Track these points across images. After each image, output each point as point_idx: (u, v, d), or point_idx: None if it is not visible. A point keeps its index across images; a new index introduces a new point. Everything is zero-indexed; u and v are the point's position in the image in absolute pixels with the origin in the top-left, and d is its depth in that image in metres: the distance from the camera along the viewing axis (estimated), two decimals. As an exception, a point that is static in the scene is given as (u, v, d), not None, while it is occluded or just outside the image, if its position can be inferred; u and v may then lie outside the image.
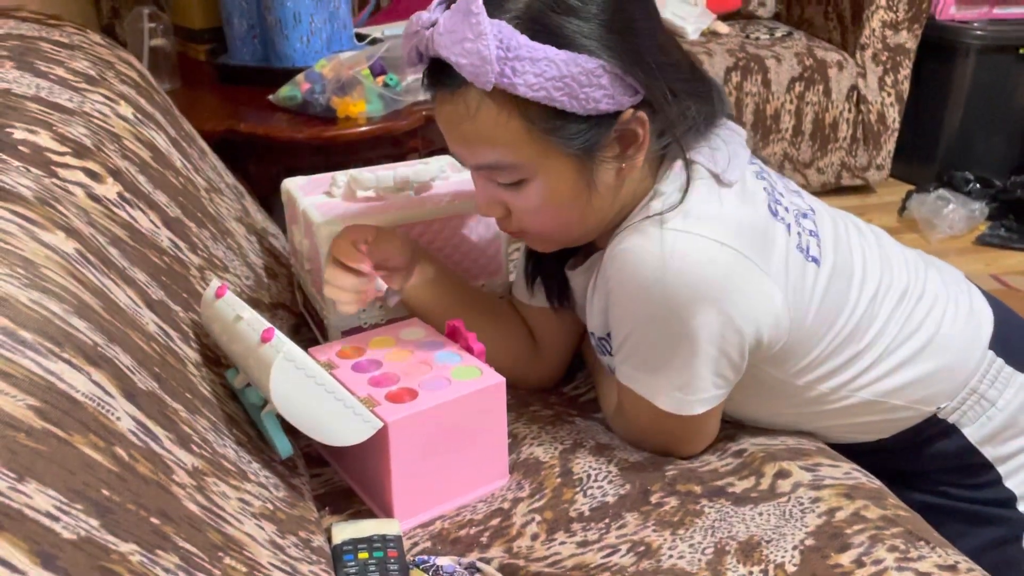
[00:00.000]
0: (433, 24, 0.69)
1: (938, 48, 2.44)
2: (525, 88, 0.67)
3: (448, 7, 0.69)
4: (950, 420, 0.85)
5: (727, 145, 0.78)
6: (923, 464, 0.88)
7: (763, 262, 0.74)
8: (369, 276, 0.84)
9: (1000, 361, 0.85)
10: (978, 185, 2.42)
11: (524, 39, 0.67)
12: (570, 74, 0.67)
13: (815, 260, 0.79)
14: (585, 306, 0.87)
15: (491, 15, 0.67)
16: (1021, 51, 2.41)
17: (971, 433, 0.85)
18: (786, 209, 0.80)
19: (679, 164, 0.76)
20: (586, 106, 0.69)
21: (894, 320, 0.83)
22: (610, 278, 0.76)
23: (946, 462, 0.87)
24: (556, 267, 0.91)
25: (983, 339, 0.86)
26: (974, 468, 0.86)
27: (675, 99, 0.74)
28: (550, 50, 0.67)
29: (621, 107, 0.71)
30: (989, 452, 0.86)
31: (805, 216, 0.82)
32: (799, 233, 0.79)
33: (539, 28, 0.67)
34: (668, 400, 0.78)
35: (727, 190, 0.75)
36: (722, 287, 0.72)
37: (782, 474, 0.80)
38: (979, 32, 2.40)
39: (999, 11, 2.45)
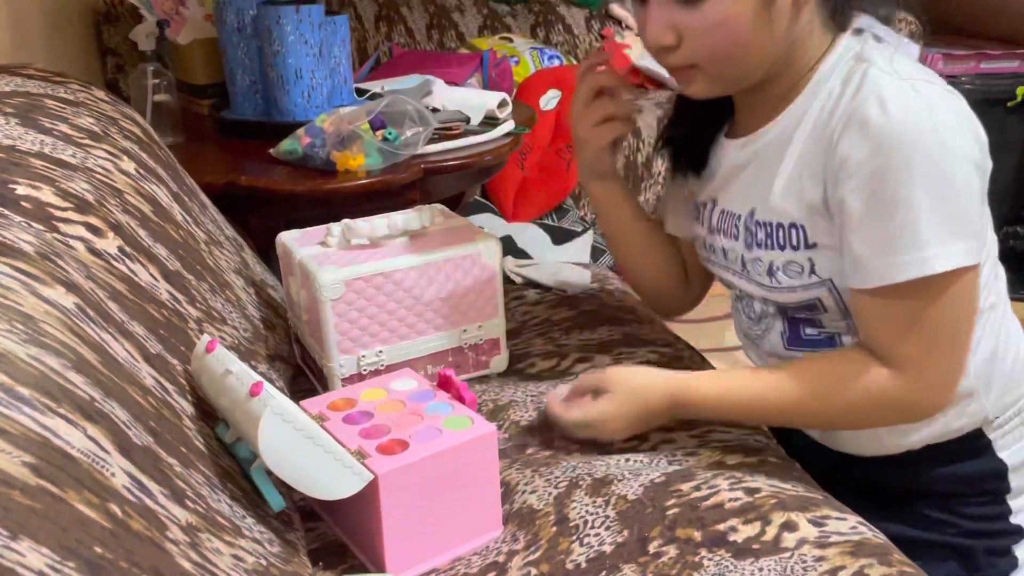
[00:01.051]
0: None
1: (928, 102, 2.48)
2: None
3: None
4: (991, 437, 0.89)
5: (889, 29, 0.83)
6: (940, 484, 0.90)
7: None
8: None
9: None
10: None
11: None
12: None
13: None
14: (729, 187, 0.90)
15: None
16: (1009, 104, 2.45)
17: (1007, 457, 0.89)
18: None
19: (859, 31, 0.81)
20: None
21: (996, 285, 0.89)
22: (882, 166, 0.74)
23: (968, 486, 0.89)
24: (701, 131, 0.93)
25: None
26: (990, 495, 0.89)
27: None
28: None
29: None
30: (1015, 481, 0.89)
31: None
32: None
33: None
34: (951, 257, 0.75)
35: (914, 60, 0.81)
36: (971, 134, 0.77)
37: (789, 526, 0.78)
38: (967, 86, 2.45)
39: (986, 66, 2.50)
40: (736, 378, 0.86)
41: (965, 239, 0.75)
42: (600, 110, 0.93)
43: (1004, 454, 0.89)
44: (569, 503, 0.82)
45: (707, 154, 0.93)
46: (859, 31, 0.82)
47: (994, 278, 0.88)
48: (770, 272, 0.86)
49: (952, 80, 2.44)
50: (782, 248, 0.84)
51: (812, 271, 0.83)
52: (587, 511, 0.81)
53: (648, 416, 0.85)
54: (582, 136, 0.95)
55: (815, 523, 0.79)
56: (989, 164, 0.79)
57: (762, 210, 0.86)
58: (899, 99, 0.74)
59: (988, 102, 2.45)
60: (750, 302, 0.94)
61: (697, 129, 0.94)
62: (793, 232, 0.83)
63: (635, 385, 0.84)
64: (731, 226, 0.90)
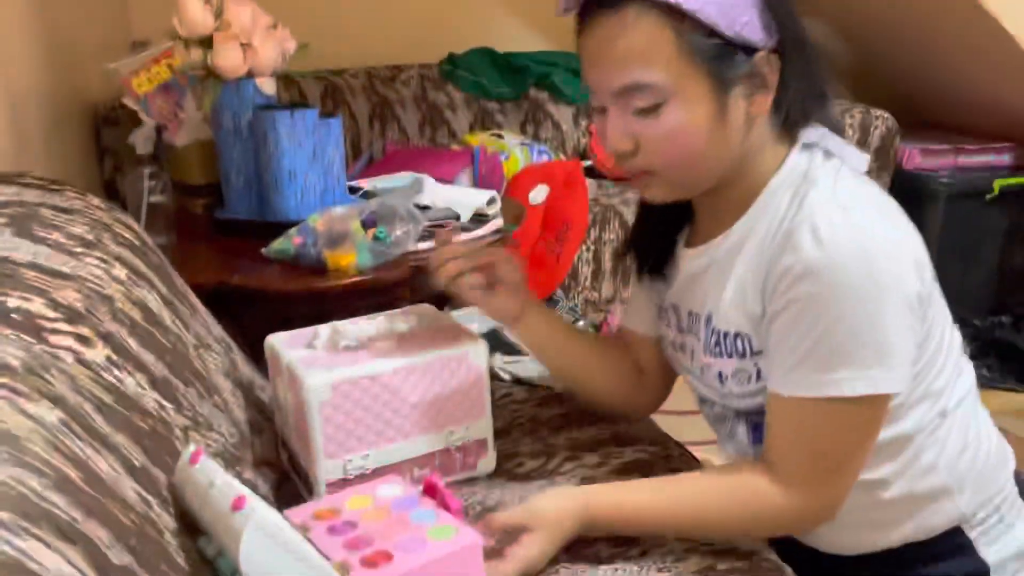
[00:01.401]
0: None
1: (908, 194, 2.53)
2: None
3: None
4: (971, 536, 0.88)
5: (840, 140, 0.85)
6: None
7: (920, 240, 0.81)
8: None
9: (1017, 491, 0.92)
10: (957, 325, 2.46)
11: None
12: None
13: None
14: (689, 293, 0.91)
15: None
16: (988, 197, 2.51)
17: (985, 554, 0.89)
18: None
19: (809, 146, 0.82)
20: (733, 27, 0.75)
21: (962, 381, 0.90)
22: (808, 291, 0.76)
23: None
24: (662, 238, 0.95)
25: (1010, 461, 0.93)
26: None
27: (807, 60, 0.81)
28: None
29: (760, 42, 0.77)
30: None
31: None
32: None
33: None
34: (861, 383, 0.77)
35: (861, 177, 0.82)
36: (913, 264, 0.78)
37: None
38: (946, 180, 2.51)
39: (963, 160, 2.57)
40: (639, 492, 0.88)
41: (882, 368, 0.77)
42: (454, 268, 0.96)
43: (986, 552, 0.88)
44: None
45: (667, 260, 0.96)
46: (810, 145, 0.84)
47: (956, 376, 0.89)
48: (720, 379, 0.88)
49: (930, 174, 2.52)
50: (730, 356, 0.86)
51: (759, 378, 0.85)
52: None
53: (567, 537, 0.86)
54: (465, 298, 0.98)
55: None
56: (928, 281, 0.82)
57: (716, 318, 0.88)
58: (832, 229, 0.75)
59: (966, 195, 2.51)
60: (711, 404, 0.95)
61: (658, 235, 0.96)
62: (739, 341, 0.85)
63: (553, 518, 0.85)
64: (698, 328, 0.92)
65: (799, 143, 0.84)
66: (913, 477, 0.87)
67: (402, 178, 1.87)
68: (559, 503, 0.86)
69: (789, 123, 0.83)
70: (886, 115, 2.44)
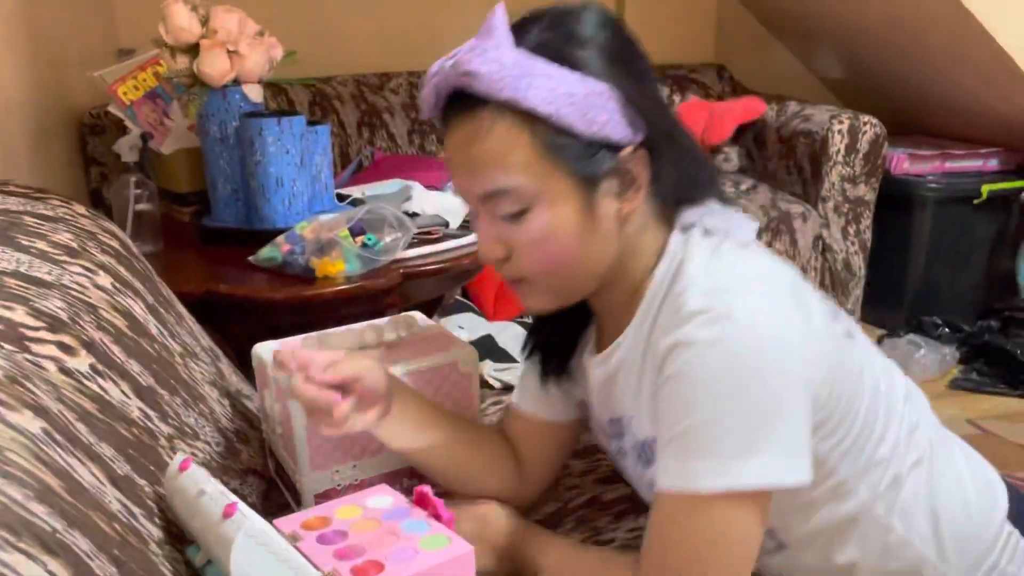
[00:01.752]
0: (454, 56, 0.74)
1: (896, 200, 2.56)
2: (538, 100, 0.71)
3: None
4: None
5: (728, 211, 0.79)
6: None
7: (810, 317, 0.74)
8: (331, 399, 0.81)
9: (1016, 533, 0.83)
10: (947, 330, 2.47)
11: (540, 61, 0.71)
12: (580, 93, 0.71)
13: (848, 332, 0.80)
14: (608, 399, 0.85)
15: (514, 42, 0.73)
16: (976, 202, 2.53)
17: None
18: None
19: (688, 227, 0.78)
20: (592, 127, 0.72)
21: (927, 440, 0.83)
22: (674, 372, 0.71)
23: None
24: (563, 342, 0.90)
25: (1001, 507, 0.84)
26: None
27: (677, 149, 0.77)
28: (564, 70, 0.71)
29: (624, 140, 0.73)
30: None
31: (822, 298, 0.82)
32: (823, 298, 0.80)
33: (553, 54, 0.72)
34: (723, 477, 0.68)
35: (746, 248, 0.76)
36: (788, 345, 0.70)
37: None
38: (933, 185, 2.53)
39: (951, 165, 2.59)
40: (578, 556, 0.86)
41: (748, 459, 0.68)
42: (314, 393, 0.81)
43: None
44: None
45: (570, 363, 0.90)
46: (689, 226, 0.78)
47: (908, 433, 0.82)
48: (650, 486, 0.79)
49: (918, 180, 2.53)
50: (650, 463, 0.80)
51: None
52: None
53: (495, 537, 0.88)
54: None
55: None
56: (828, 355, 0.74)
57: (635, 424, 0.82)
58: (694, 310, 0.70)
59: (954, 200, 2.53)
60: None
61: (558, 340, 0.90)
62: (654, 445, 0.78)
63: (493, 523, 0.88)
64: (625, 436, 0.86)
65: (677, 227, 0.78)
66: (883, 556, 0.81)
67: (391, 185, 1.86)
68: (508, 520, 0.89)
69: (666, 212, 0.78)
70: (874, 121, 2.45)
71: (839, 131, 2.43)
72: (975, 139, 2.65)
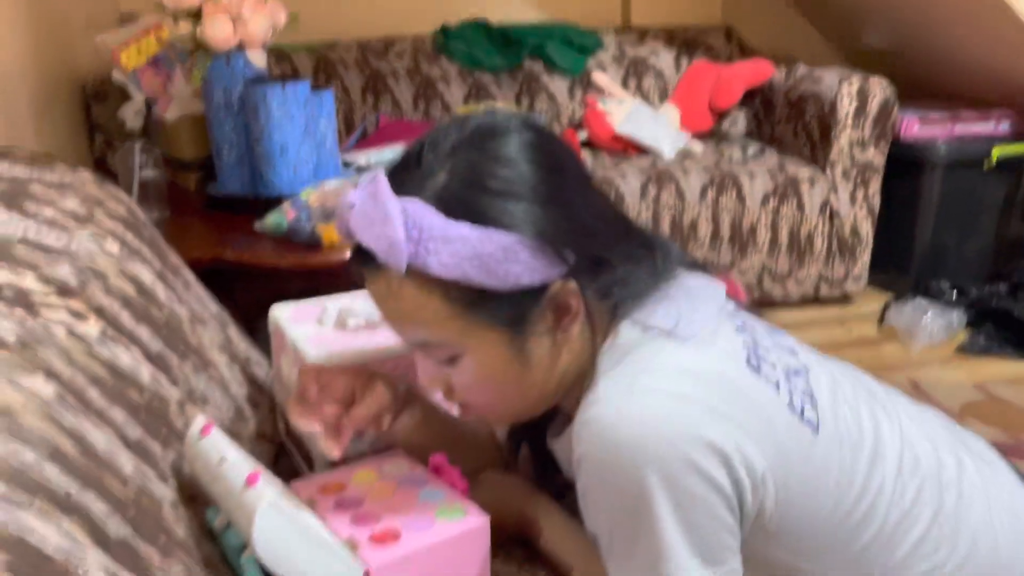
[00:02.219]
0: (352, 206, 0.70)
1: (906, 164, 2.54)
2: (439, 268, 0.67)
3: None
4: None
5: (686, 300, 0.74)
6: None
7: (733, 415, 0.68)
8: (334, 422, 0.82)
9: None
10: (955, 294, 2.46)
11: (438, 219, 0.66)
12: (485, 252, 0.66)
13: (810, 423, 0.72)
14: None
15: (408, 193, 0.68)
16: (986, 166, 2.51)
17: None
18: (773, 365, 0.74)
19: (625, 326, 0.73)
20: (506, 281, 0.68)
21: (921, 507, 0.75)
22: (575, 466, 0.70)
23: None
24: (536, 437, 0.88)
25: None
26: None
27: (612, 264, 0.72)
28: (464, 228, 0.66)
29: (548, 279, 0.69)
30: None
31: (797, 374, 0.76)
32: (790, 392, 0.73)
33: (455, 206, 0.67)
34: None
35: (682, 344, 0.71)
36: (684, 440, 0.66)
37: None
38: (944, 148, 2.50)
39: (961, 128, 2.56)
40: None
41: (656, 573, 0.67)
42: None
43: None
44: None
45: (546, 454, 0.88)
46: (635, 323, 0.73)
47: (926, 527, 0.74)
48: None
49: (928, 143, 2.51)
50: None
51: None
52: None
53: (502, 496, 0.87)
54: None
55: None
56: (736, 469, 0.68)
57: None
58: (593, 417, 0.68)
59: (964, 164, 2.51)
60: None
61: (530, 433, 0.89)
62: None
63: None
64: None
65: (617, 333, 0.74)
66: None
67: (396, 151, 1.85)
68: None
69: (604, 325, 0.74)
70: (884, 83, 2.42)
71: (848, 94, 2.40)
72: (986, 102, 2.62)
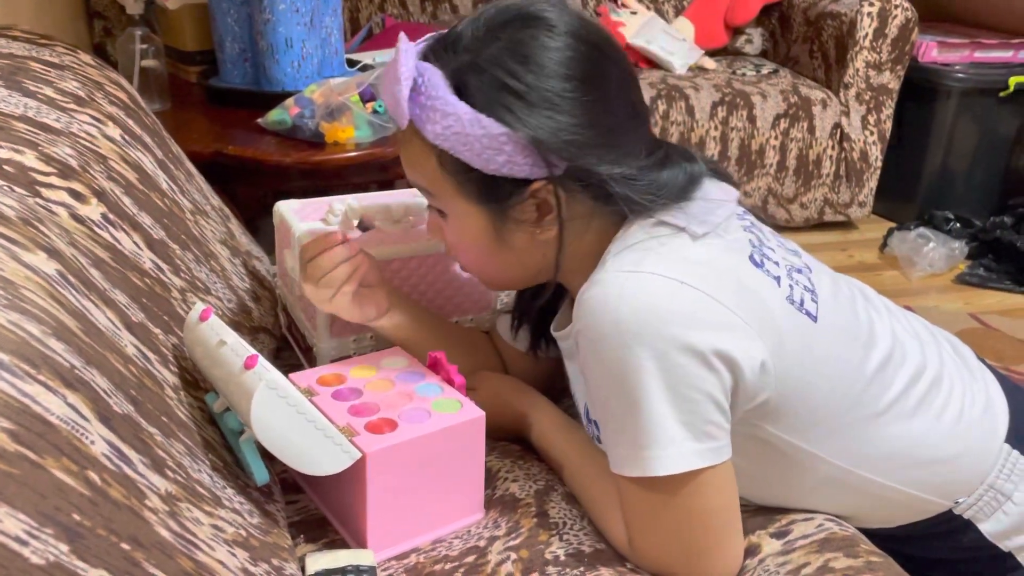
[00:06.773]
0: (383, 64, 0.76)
1: (920, 89, 2.49)
2: (432, 135, 0.72)
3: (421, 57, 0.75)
4: (966, 516, 0.82)
5: (701, 203, 0.76)
6: (939, 552, 0.85)
7: (734, 305, 0.70)
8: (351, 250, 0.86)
9: (1016, 453, 0.82)
10: (958, 224, 2.45)
11: (444, 91, 0.71)
12: (473, 134, 0.70)
13: (810, 315, 0.75)
14: (572, 377, 0.87)
15: (435, 59, 0.73)
16: (1002, 94, 2.46)
17: (987, 529, 0.82)
18: (776, 263, 0.77)
19: (637, 223, 0.74)
20: (490, 165, 0.72)
21: (909, 396, 0.79)
22: (575, 339, 0.73)
23: (964, 553, 0.84)
24: (541, 317, 0.91)
25: (1000, 433, 0.83)
26: (995, 559, 0.83)
27: (614, 176, 0.72)
28: (463, 107, 0.71)
29: (531, 176, 0.72)
30: (1006, 545, 0.83)
31: (799, 271, 0.79)
32: (791, 286, 0.76)
33: (464, 88, 0.71)
34: (639, 463, 0.70)
35: (692, 239, 0.73)
36: (681, 320, 0.68)
37: (751, 551, 0.77)
38: (960, 75, 2.45)
39: (980, 55, 2.50)
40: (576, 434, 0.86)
41: (654, 446, 0.69)
42: (328, 261, 0.84)
43: (983, 526, 0.82)
44: (548, 502, 0.82)
45: (544, 337, 0.93)
46: (644, 220, 0.74)
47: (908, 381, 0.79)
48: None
49: (945, 69, 2.45)
50: (600, 442, 0.81)
51: None
52: (566, 514, 0.81)
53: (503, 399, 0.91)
54: (321, 302, 0.87)
55: (777, 536, 0.78)
56: (699, 341, 0.68)
57: (578, 395, 0.86)
58: (597, 292, 0.69)
59: (980, 92, 2.46)
60: None
61: (532, 314, 0.92)
62: (592, 427, 0.82)
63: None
64: (577, 400, 0.88)
65: (629, 228, 0.75)
66: (867, 502, 0.81)
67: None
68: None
69: (609, 227, 0.76)
70: (906, 5, 2.35)
71: (869, 14, 2.33)
72: (1007, 29, 2.56)
